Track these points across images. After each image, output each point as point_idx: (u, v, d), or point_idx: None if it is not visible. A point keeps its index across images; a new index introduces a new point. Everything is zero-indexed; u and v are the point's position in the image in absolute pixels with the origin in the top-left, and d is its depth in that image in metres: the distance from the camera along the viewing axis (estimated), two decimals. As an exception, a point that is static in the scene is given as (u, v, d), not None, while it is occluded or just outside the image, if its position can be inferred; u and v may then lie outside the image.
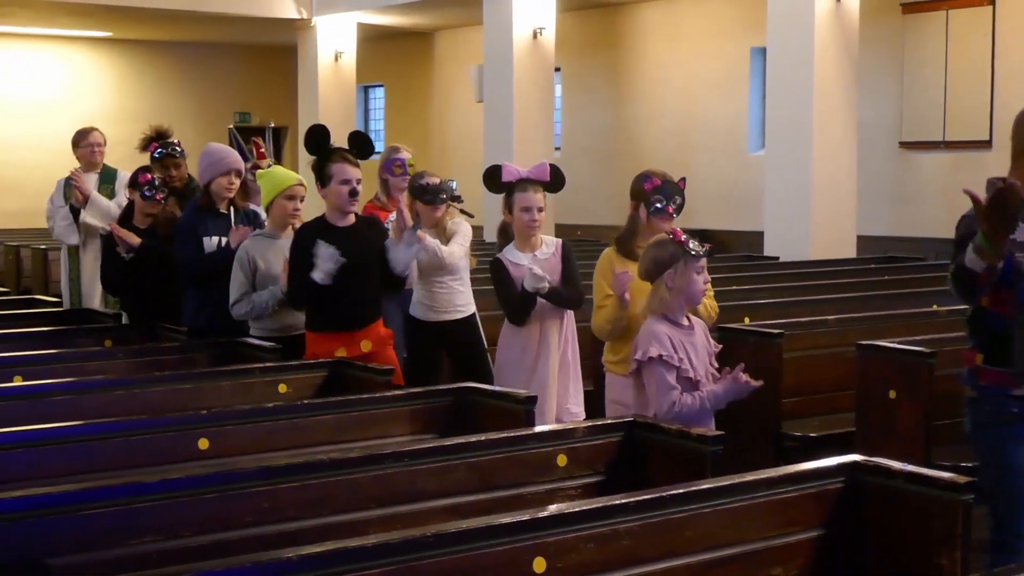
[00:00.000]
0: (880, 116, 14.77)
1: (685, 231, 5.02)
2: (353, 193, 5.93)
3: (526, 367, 6.07)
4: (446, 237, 6.86)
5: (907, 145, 14.73)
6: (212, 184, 6.71)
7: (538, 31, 16.06)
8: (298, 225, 6.42)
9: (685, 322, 4.94)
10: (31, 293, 13.24)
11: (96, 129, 8.90)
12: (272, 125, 7.52)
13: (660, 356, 4.77)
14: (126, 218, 7.36)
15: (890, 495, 3.76)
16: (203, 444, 4.50)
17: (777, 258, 12.10)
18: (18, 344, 6.50)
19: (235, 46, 23.57)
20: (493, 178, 6.13)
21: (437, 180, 6.87)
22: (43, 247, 14.96)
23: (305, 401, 5.10)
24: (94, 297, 8.57)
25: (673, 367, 4.78)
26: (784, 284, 9.68)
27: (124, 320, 7.52)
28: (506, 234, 6.20)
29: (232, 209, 6.78)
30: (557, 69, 17.24)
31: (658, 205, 5.58)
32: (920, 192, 14.65)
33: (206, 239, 6.64)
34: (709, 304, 5.49)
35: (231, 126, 8.01)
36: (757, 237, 13.27)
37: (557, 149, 17.84)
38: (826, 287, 9.60)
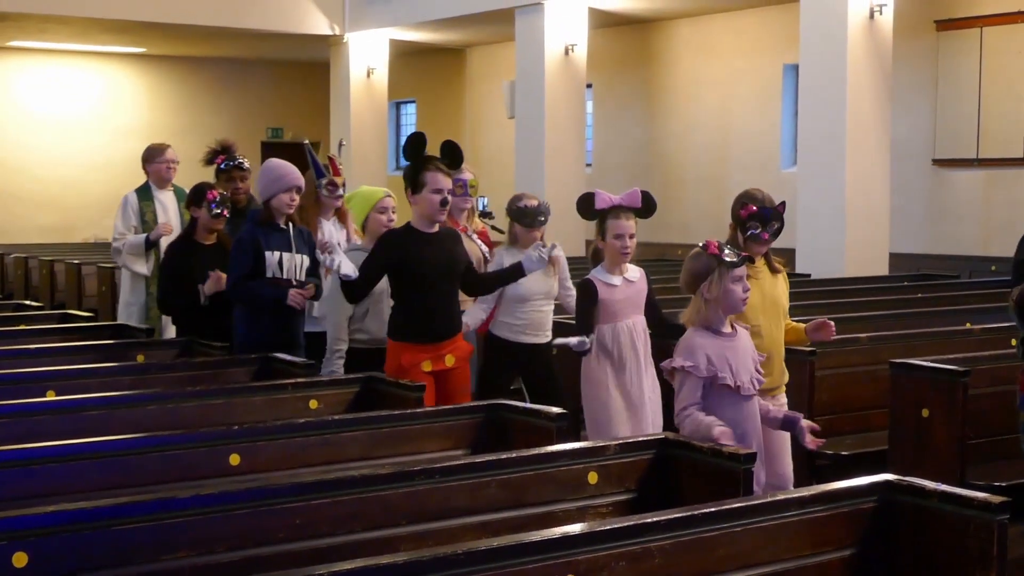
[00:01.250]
0: (913, 133, 14.72)
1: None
2: (444, 203, 6.01)
3: (626, 375, 6.14)
4: (553, 263, 6.95)
5: (940, 162, 14.67)
6: (273, 200, 6.71)
7: (570, 47, 16.09)
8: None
9: (728, 330, 4.95)
10: (64, 308, 13.31)
11: (170, 146, 8.83)
12: (343, 142, 7.56)
13: (687, 367, 4.79)
14: (187, 236, 7.36)
15: (924, 515, 3.73)
16: (234, 460, 4.51)
17: (809, 275, 12.06)
18: (51, 359, 6.53)
19: (268, 62, 23.71)
20: (587, 205, 6.19)
21: (536, 203, 6.95)
22: (76, 262, 15.05)
23: (336, 417, 5.10)
24: (168, 324, 8.42)
25: (701, 379, 4.79)
26: (816, 301, 9.63)
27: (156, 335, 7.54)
28: (597, 258, 6.26)
29: (291, 225, 6.79)
30: (589, 85, 17.27)
31: (753, 232, 5.70)
32: (954, 209, 14.58)
33: (268, 254, 6.66)
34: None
35: (306, 142, 8.02)
36: (789, 254, 13.22)
37: (588, 165, 17.86)
38: (859, 304, 9.56)
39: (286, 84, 24.15)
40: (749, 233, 5.69)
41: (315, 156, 7.39)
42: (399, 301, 6.18)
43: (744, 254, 5.05)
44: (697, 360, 4.81)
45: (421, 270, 6.02)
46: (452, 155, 6.18)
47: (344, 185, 7.34)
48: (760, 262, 5.80)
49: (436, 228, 6.11)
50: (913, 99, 14.71)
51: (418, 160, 6.06)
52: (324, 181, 7.28)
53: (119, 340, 7.29)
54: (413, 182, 6.03)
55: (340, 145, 7.69)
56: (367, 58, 19.82)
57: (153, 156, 8.75)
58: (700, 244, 5.04)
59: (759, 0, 16.22)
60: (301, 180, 6.83)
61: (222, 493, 3.72)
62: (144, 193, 8.70)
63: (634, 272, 6.24)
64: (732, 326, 4.99)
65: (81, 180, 22.32)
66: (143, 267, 8.47)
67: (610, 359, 6.09)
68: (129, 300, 8.64)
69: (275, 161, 6.93)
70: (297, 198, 6.77)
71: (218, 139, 7.90)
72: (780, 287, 5.90)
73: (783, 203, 5.82)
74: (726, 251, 4.93)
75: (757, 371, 4.99)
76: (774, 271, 5.90)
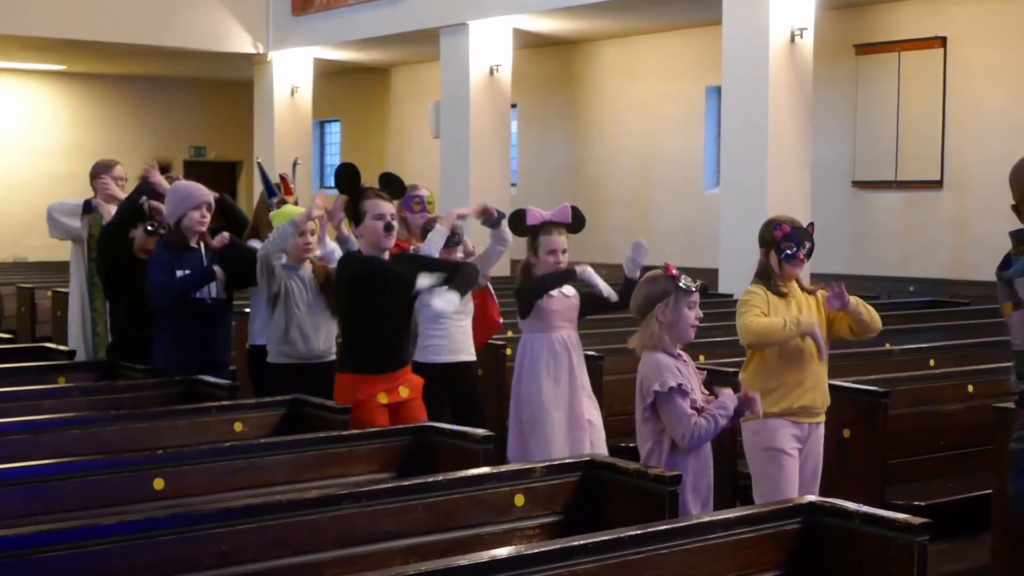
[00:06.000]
0: (834, 155, 14.91)
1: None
2: (388, 227, 5.86)
3: (562, 388, 6.19)
4: None
5: (860, 184, 14.87)
6: (184, 219, 6.67)
7: (495, 68, 16.14)
8: (314, 257, 6.56)
9: (678, 354, 4.97)
10: (-17, 328, 13.10)
11: (119, 162, 8.65)
12: (299, 161, 7.51)
13: (679, 386, 4.80)
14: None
15: (847, 536, 3.78)
16: (159, 485, 4.47)
17: (732, 296, 12.16)
18: (-30, 382, 6.44)
19: (191, 80, 23.53)
20: (519, 221, 6.21)
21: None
22: (-5, 282, 14.84)
23: (262, 440, 5.08)
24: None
25: (687, 395, 4.82)
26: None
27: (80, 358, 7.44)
28: (528, 273, 6.26)
29: (203, 245, 6.75)
30: (513, 106, 17.32)
31: (788, 252, 5.59)
32: (873, 231, 14.78)
33: (180, 273, 6.61)
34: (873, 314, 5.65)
35: (258, 160, 7.98)
36: (712, 275, 13.34)
37: (513, 185, 17.90)
38: (781, 325, 9.63)
39: (209, 103, 23.98)
40: (784, 254, 5.59)
41: (267, 175, 7.36)
42: (352, 331, 6.04)
43: (700, 281, 5.07)
44: (679, 376, 4.84)
45: (375, 298, 5.90)
46: (392, 186, 6.13)
47: (297, 203, 7.31)
48: (793, 285, 5.69)
49: (386, 256, 5.99)
50: (833, 122, 14.91)
51: (354, 191, 6.00)
52: (275, 200, 7.27)
53: (40, 362, 7.20)
54: (354, 214, 5.93)
55: (295, 164, 7.62)
56: (291, 77, 19.74)
57: (100, 172, 8.57)
58: (659, 267, 5.06)
59: (682, 23, 16.36)
60: (210, 197, 6.79)
61: (147, 519, 3.69)
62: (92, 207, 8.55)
63: (569, 290, 6.29)
64: (680, 351, 5.02)
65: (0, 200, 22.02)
66: (76, 222, 8.12)
67: (545, 370, 6.14)
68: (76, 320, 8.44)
69: (182, 182, 6.91)
70: (208, 215, 6.73)
71: (156, 156, 7.81)
72: (814, 308, 5.72)
73: (812, 224, 5.76)
74: (683, 277, 4.97)
75: (703, 391, 5.00)
76: (808, 293, 5.77)
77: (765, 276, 5.66)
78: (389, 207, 5.92)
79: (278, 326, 6.50)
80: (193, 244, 6.71)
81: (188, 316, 6.64)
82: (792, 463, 5.48)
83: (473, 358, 7.14)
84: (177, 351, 6.63)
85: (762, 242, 5.71)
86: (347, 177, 5.99)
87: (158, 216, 7.08)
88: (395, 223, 5.95)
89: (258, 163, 7.69)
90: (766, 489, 5.45)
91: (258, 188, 7.65)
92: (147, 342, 6.91)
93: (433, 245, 6.19)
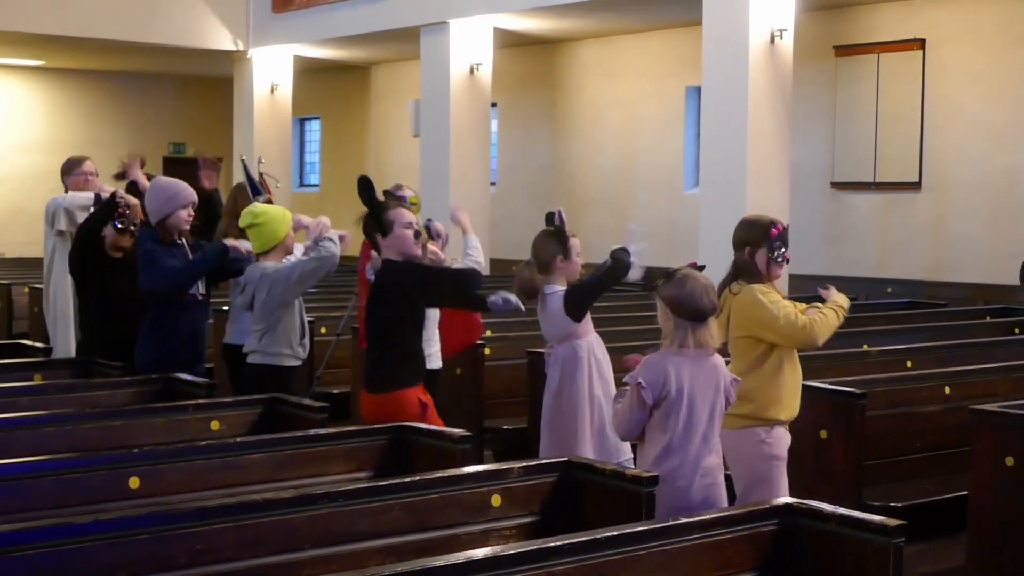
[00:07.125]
0: (813, 156, 14.96)
1: None
2: (417, 235, 5.83)
3: (593, 404, 6.12)
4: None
5: (839, 185, 14.91)
6: (171, 218, 6.63)
7: (475, 67, 16.13)
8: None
9: None
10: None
11: (88, 158, 8.58)
12: (262, 160, 7.53)
13: None
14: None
15: (823, 538, 3.79)
16: (134, 483, 4.45)
17: (711, 296, 12.17)
18: (-56, 379, 6.40)
19: (171, 77, 23.46)
20: (560, 226, 6.22)
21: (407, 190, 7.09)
22: (-28, 277, 14.75)
23: (239, 439, 5.06)
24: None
25: None
26: (718, 322, 9.72)
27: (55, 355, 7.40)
28: (534, 276, 6.20)
29: (184, 241, 6.73)
30: (493, 105, 17.32)
31: (780, 252, 5.38)
32: (851, 232, 14.83)
33: None
34: None
35: (243, 157, 7.95)
36: (691, 275, 13.36)
37: (493, 184, 17.91)
38: (759, 326, 9.64)
39: (189, 99, 23.91)
40: (776, 254, 5.37)
41: (250, 172, 7.32)
42: (395, 346, 5.80)
43: None
44: None
45: (419, 310, 5.86)
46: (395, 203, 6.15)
47: (271, 202, 7.30)
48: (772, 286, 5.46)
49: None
50: (812, 123, 14.96)
51: (374, 203, 5.95)
52: (262, 199, 7.25)
53: (15, 359, 7.16)
54: (380, 225, 5.83)
55: (259, 162, 7.62)
56: (271, 74, 19.69)
57: (72, 168, 8.52)
58: (694, 265, 4.99)
59: (663, 23, 16.38)
60: (195, 196, 6.78)
61: (122, 518, 3.68)
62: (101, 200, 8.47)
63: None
64: None
65: (-24, 194, 21.93)
66: (86, 199, 8.06)
67: (587, 371, 6.08)
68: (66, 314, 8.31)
69: (165, 179, 6.88)
70: (193, 213, 6.72)
71: (130, 153, 7.77)
72: None
73: (787, 226, 5.50)
74: None
75: None
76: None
77: (749, 276, 5.42)
78: (413, 216, 5.90)
79: (292, 329, 6.48)
80: (177, 240, 6.71)
81: (181, 312, 6.63)
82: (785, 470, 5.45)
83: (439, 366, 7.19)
84: (170, 346, 6.61)
85: (747, 241, 5.45)
86: (367, 189, 5.94)
87: (129, 212, 7.04)
88: (422, 232, 5.97)
89: (242, 160, 7.64)
90: (763, 495, 5.24)
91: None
92: (119, 340, 6.89)
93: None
